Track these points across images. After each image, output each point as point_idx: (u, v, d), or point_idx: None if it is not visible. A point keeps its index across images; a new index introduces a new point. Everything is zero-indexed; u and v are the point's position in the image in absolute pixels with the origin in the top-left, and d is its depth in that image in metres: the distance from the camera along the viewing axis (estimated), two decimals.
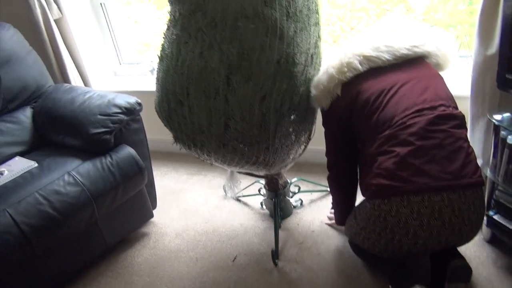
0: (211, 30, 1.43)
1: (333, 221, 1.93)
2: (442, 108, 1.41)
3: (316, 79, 1.58)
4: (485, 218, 1.70)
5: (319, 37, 1.61)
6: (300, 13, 1.46)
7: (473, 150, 1.41)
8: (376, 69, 1.51)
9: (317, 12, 1.56)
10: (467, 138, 1.42)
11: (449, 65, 1.64)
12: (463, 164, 1.35)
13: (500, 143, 1.57)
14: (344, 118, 1.55)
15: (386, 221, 1.37)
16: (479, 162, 1.80)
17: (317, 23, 1.57)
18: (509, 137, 1.52)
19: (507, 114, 1.55)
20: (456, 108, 1.46)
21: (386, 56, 1.49)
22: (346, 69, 1.51)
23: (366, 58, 1.50)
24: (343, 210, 1.77)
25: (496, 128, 1.58)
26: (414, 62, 1.54)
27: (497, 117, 1.56)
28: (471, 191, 1.35)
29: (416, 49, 1.53)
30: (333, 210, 1.92)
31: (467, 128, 1.45)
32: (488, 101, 1.72)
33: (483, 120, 1.75)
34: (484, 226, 1.74)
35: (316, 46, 1.59)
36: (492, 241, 1.77)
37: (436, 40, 1.58)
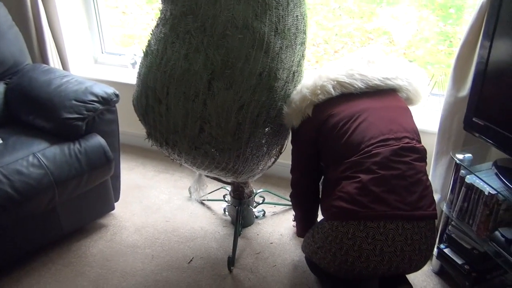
0: (199, 34, 1.46)
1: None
2: (406, 140, 1.47)
3: (289, 97, 1.62)
4: (435, 250, 1.78)
5: (303, 56, 1.66)
6: (288, 31, 1.50)
7: (430, 184, 1.48)
8: (348, 95, 1.56)
9: (304, 32, 1.60)
10: (426, 171, 1.49)
11: (420, 100, 1.70)
12: (420, 196, 1.41)
13: (459, 181, 1.65)
14: (312, 138, 1.60)
15: (342, 243, 1.41)
16: (437, 196, 1.88)
17: (303, 43, 1.61)
18: (468, 176, 1.60)
19: (468, 155, 1.64)
20: (419, 142, 1.53)
21: (359, 84, 1.55)
22: (319, 91, 1.55)
23: (340, 84, 1.55)
24: (303, 226, 1.80)
25: (457, 167, 1.66)
26: (385, 93, 1.60)
27: (459, 156, 1.64)
28: (424, 223, 1.41)
29: (388, 81, 1.59)
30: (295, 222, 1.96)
31: (426, 162, 1.52)
32: (453, 140, 1.80)
33: (446, 157, 1.84)
34: (434, 258, 1.82)
35: (299, 64, 1.64)
36: (440, 272, 1.84)
37: (408, 76, 1.64)
